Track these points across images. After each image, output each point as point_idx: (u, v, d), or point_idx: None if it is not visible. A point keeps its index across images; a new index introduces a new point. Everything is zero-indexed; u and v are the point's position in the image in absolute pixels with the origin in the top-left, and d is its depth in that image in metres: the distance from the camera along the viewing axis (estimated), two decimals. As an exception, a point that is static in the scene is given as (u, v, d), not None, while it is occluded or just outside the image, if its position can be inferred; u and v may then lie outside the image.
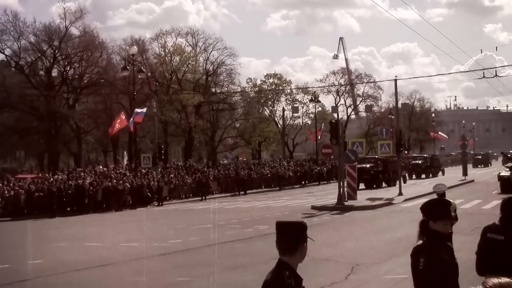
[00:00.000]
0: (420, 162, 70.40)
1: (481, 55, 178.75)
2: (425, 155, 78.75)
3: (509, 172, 44.04)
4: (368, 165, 53.71)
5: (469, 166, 76.68)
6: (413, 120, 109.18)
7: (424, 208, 6.61)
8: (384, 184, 54.01)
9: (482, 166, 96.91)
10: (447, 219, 6.49)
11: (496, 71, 51.25)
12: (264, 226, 26.07)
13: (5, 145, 65.96)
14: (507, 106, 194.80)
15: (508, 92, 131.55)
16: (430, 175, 67.98)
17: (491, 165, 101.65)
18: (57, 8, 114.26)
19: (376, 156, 57.80)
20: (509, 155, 54.93)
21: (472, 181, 57.60)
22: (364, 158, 56.34)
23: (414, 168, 69.45)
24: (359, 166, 49.66)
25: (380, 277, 15.59)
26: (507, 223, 8.25)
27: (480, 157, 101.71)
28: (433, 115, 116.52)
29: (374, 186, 52.71)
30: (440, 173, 72.24)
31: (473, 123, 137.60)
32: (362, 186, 50.57)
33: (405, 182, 54.57)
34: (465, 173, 60.80)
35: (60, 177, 43.91)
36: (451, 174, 67.77)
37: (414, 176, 67.55)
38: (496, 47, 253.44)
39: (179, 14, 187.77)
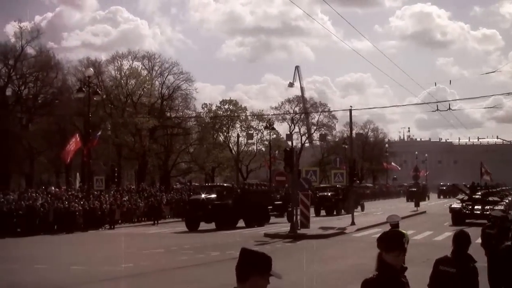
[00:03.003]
0: (329, 194, 56.92)
1: (433, 88, 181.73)
2: (338, 186, 56.75)
3: (460, 204, 44.80)
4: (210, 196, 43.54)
5: (402, 199, 71.88)
6: (366, 150, 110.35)
7: (378, 239, 6.48)
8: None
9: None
10: (398, 251, 6.27)
11: (449, 104, 52.09)
12: (216, 252, 26.05)
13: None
14: (459, 139, 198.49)
15: (459, 125, 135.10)
16: (342, 211, 55.20)
17: (428, 199, 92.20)
18: (13, 27, 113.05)
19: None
20: (450, 186, 54.71)
21: (424, 212, 58.23)
22: (210, 186, 53.20)
23: (321, 202, 57.59)
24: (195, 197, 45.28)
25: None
26: (459, 256, 8.47)
27: (415, 189, 72.89)
28: (386, 145, 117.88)
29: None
30: (359, 208, 59.11)
31: (426, 155, 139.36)
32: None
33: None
34: (417, 204, 61.28)
35: (12, 197, 43.25)
36: (403, 205, 68.05)
37: (323, 212, 56.25)
38: (450, 81, 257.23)
39: (135, 38, 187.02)
